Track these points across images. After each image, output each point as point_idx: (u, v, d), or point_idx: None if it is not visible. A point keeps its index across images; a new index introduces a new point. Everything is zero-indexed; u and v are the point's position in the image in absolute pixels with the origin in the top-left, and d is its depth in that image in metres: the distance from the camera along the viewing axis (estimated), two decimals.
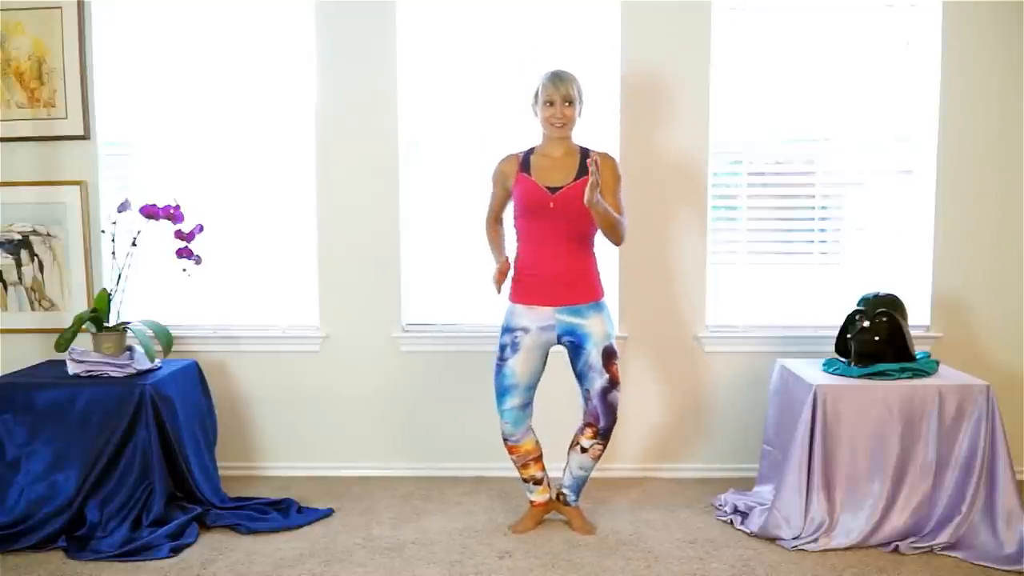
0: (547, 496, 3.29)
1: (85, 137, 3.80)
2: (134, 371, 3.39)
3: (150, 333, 3.48)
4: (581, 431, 3.18)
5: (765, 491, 3.38)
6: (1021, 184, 3.70)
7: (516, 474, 3.32)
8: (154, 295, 3.83)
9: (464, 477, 3.85)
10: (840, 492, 3.13)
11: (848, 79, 3.73)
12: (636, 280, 3.79)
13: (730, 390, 3.85)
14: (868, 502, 3.11)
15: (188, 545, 3.13)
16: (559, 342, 3.15)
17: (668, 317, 3.83)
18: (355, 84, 3.77)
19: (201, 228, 3.51)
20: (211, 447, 3.63)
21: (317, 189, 3.83)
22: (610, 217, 2.98)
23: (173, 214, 3.45)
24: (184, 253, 3.46)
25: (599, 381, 3.09)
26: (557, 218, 3.04)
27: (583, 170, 3.08)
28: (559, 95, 3.04)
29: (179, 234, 3.46)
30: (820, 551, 3.05)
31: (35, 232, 3.87)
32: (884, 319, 3.28)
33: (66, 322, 3.60)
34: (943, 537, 3.03)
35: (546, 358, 3.19)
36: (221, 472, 3.66)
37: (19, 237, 3.87)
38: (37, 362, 3.74)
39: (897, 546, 3.05)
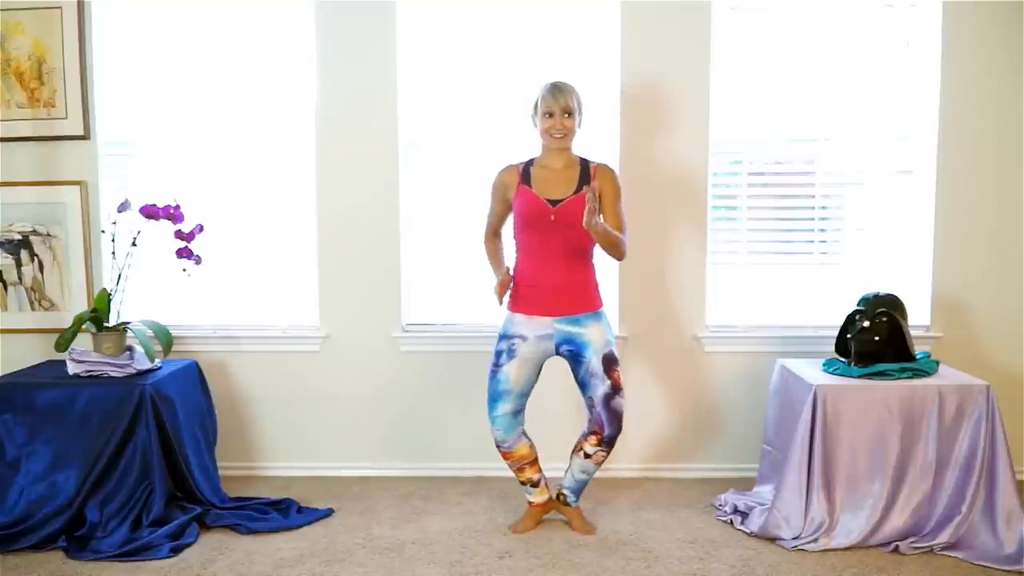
0: (545, 496, 3.29)
1: (85, 137, 3.80)
2: (134, 371, 3.39)
3: (150, 333, 3.48)
4: (585, 437, 3.15)
5: (765, 491, 3.38)
6: (1021, 184, 3.70)
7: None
8: (154, 295, 3.83)
9: (464, 477, 3.85)
10: (840, 492, 3.13)
11: (848, 79, 3.73)
12: (636, 280, 3.79)
13: (730, 390, 3.85)
14: (868, 502, 3.11)
15: (188, 545, 3.13)
16: (557, 352, 3.14)
17: (668, 317, 3.83)
18: (355, 84, 3.77)
19: (201, 228, 3.51)
20: (211, 447, 3.63)
21: (317, 189, 3.83)
22: (610, 237, 2.99)
23: (173, 214, 3.45)
24: (184, 253, 3.46)
25: (601, 387, 3.07)
26: (557, 230, 3.04)
27: (584, 181, 3.08)
28: (558, 106, 3.03)
29: (179, 234, 3.46)
30: (820, 551, 3.05)
31: (35, 232, 3.87)
32: (884, 319, 3.28)
33: (66, 322, 3.60)
34: (943, 537, 3.03)
35: (540, 368, 3.18)
36: (221, 472, 3.66)
37: (19, 237, 3.87)
38: (37, 362, 3.74)
39: (897, 546, 3.05)
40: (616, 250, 3.06)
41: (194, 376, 3.63)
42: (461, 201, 3.78)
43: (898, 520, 3.09)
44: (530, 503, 3.29)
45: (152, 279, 3.80)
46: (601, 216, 2.97)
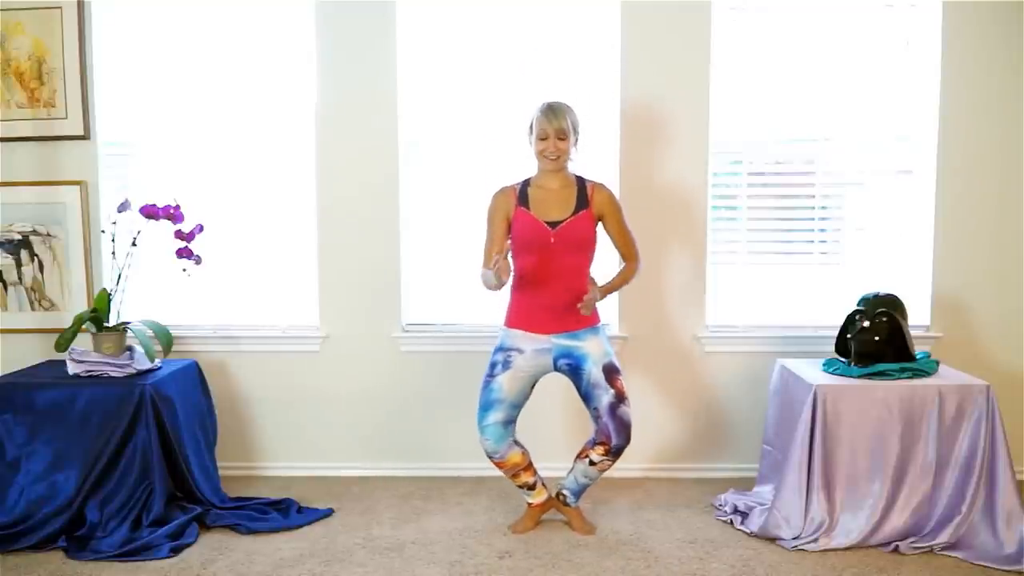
0: (544, 496, 3.28)
1: (85, 137, 3.80)
2: (134, 371, 3.39)
3: (150, 333, 3.48)
4: (592, 446, 3.13)
5: (765, 491, 3.38)
6: (1021, 184, 3.70)
7: None
8: (154, 295, 3.83)
9: (464, 477, 3.85)
10: (840, 492, 3.13)
11: (848, 79, 3.73)
12: (636, 281, 3.78)
13: (730, 390, 3.85)
14: (868, 502, 3.11)
15: (188, 545, 3.13)
16: (556, 368, 3.13)
17: (668, 317, 3.83)
18: (355, 84, 3.77)
19: (201, 228, 3.51)
20: (211, 447, 3.63)
21: (317, 189, 3.83)
22: (617, 283, 3.18)
23: (173, 214, 3.45)
24: (184, 253, 3.46)
25: (605, 397, 3.05)
26: (557, 252, 3.04)
27: (581, 202, 3.09)
28: (552, 129, 3.02)
29: (179, 234, 3.46)
30: (820, 551, 3.05)
31: (35, 232, 3.87)
32: (884, 319, 3.28)
33: (66, 322, 3.60)
34: (943, 537, 3.03)
35: (534, 385, 3.17)
36: (221, 472, 3.66)
37: (19, 237, 3.87)
38: (37, 362, 3.74)
39: (897, 546, 3.05)
40: (627, 282, 3.22)
41: (194, 376, 3.63)
42: (461, 201, 3.78)
43: (898, 520, 3.09)
44: (529, 504, 3.29)
45: (152, 279, 3.80)
46: (598, 287, 3.11)
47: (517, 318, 3.13)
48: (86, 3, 3.75)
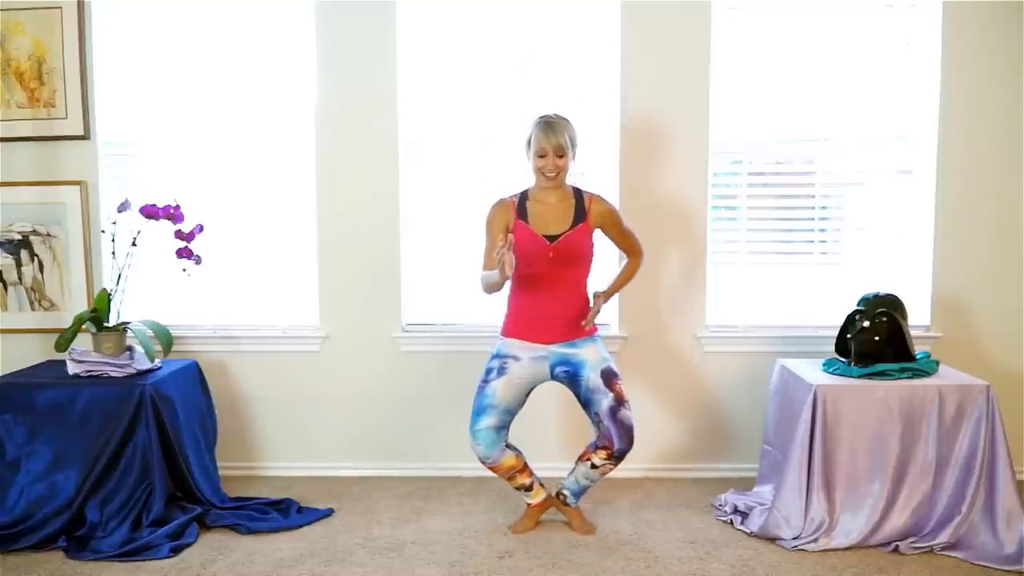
0: (543, 496, 3.28)
1: (85, 137, 3.80)
2: (134, 371, 3.39)
3: (150, 333, 3.48)
4: (594, 450, 3.11)
5: (765, 491, 3.38)
6: (1021, 184, 3.70)
7: None
8: (154, 295, 3.83)
9: (464, 477, 3.85)
10: (840, 492, 3.13)
11: (848, 79, 3.73)
12: (636, 281, 3.77)
13: (730, 390, 3.85)
14: (868, 502, 3.11)
15: (188, 545, 3.13)
16: (553, 376, 3.13)
17: (668, 317, 3.83)
18: (355, 84, 3.77)
19: (201, 228, 3.51)
20: (211, 447, 3.63)
21: (317, 189, 3.83)
22: (619, 283, 3.26)
23: (173, 214, 3.45)
24: (184, 253, 3.46)
25: (605, 401, 3.05)
26: (555, 266, 3.05)
27: (579, 216, 3.09)
28: (551, 146, 3.02)
29: (179, 234, 3.46)
30: (820, 551, 3.05)
31: (35, 232, 3.87)
32: (884, 319, 3.28)
33: (66, 322, 3.60)
34: (943, 537, 3.03)
35: (529, 394, 3.17)
36: (221, 472, 3.66)
37: (19, 237, 3.87)
38: (37, 362, 3.74)
39: (897, 546, 3.05)
40: (631, 279, 3.29)
41: (194, 376, 3.63)
42: (461, 202, 3.78)
43: (898, 520, 3.09)
44: (528, 504, 3.29)
45: (152, 279, 3.80)
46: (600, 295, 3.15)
47: (515, 328, 3.14)
48: (86, 3, 3.75)
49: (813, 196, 3.83)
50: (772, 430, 3.48)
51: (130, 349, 3.48)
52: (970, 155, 3.69)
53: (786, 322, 3.82)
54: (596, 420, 3.09)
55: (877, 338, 3.27)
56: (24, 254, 3.88)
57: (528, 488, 3.23)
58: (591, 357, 3.08)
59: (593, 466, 3.12)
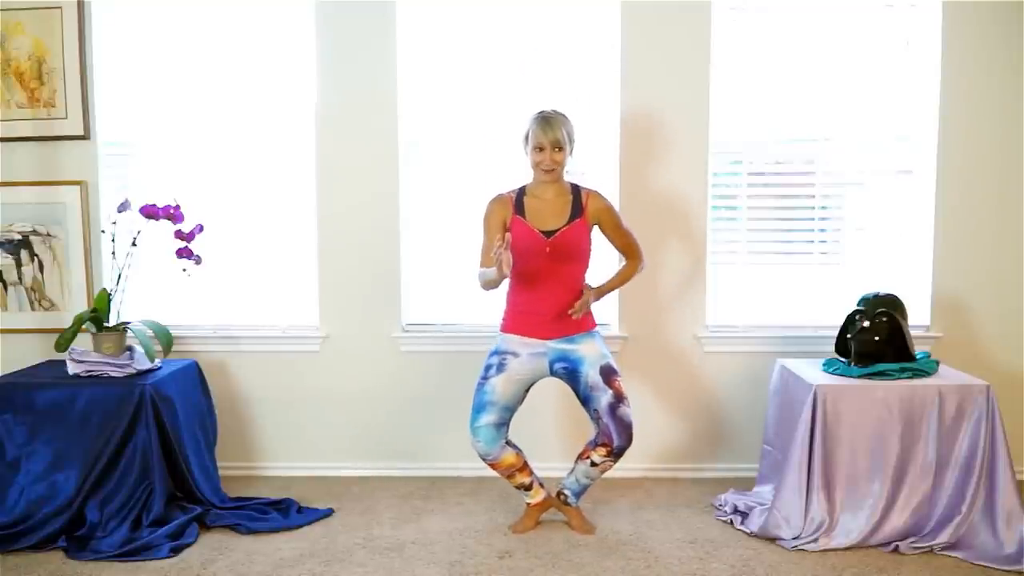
0: (542, 495, 3.28)
1: (85, 137, 3.80)
2: (134, 371, 3.39)
3: (150, 333, 3.48)
4: (594, 447, 3.12)
5: (765, 491, 3.38)
6: (1021, 184, 3.70)
7: None
8: (154, 295, 3.83)
9: (464, 477, 3.85)
10: (840, 492, 3.13)
11: (848, 79, 3.73)
12: (636, 280, 3.77)
13: (730, 390, 3.85)
14: (868, 502, 3.11)
15: (188, 545, 3.13)
16: (552, 372, 3.14)
17: (668, 317, 3.83)
18: (355, 84, 3.77)
19: (201, 228, 3.51)
20: (211, 447, 3.63)
21: (317, 189, 3.83)
22: (616, 283, 3.23)
23: (173, 214, 3.45)
24: (184, 253, 3.46)
25: (604, 398, 3.05)
26: (552, 261, 3.05)
27: (576, 211, 3.10)
28: (548, 141, 3.02)
29: (179, 234, 3.46)
30: (820, 551, 3.05)
31: (35, 232, 3.87)
32: (884, 319, 3.28)
33: (66, 322, 3.59)
34: (943, 537, 3.03)
35: (528, 390, 3.18)
36: (221, 472, 3.66)
37: (19, 237, 3.87)
38: (37, 362, 3.74)
39: (897, 546, 3.05)
40: (629, 279, 3.25)
41: (194, 376, 3.63)
42: (461, 201, 3.77)
43: (898, 520, 3.09)
44: (528, 504, 3.29)
45: (152, 279, 3.80)
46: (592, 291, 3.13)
47: (513, 324, 3.14)
48: (86, 3, 3.75)
49: (813, 196, 3.83)
50: (772, 430, 3.48)
51: (130, 349, 3.48)
52: (970, 155, 3.69)
53: (786, 322, 3.82)
54: (595, 417, 3.10)
55: (877, 338, 3.27)
56: (24, 254, 3.88)
57: (528, 487, 3.23)
58: (590, 353, 3.08)
59: (592, 464, 3.12)
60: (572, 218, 3.09)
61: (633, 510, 3.48)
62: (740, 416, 3.84)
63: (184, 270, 3.48)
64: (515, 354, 3.11)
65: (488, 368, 3.13)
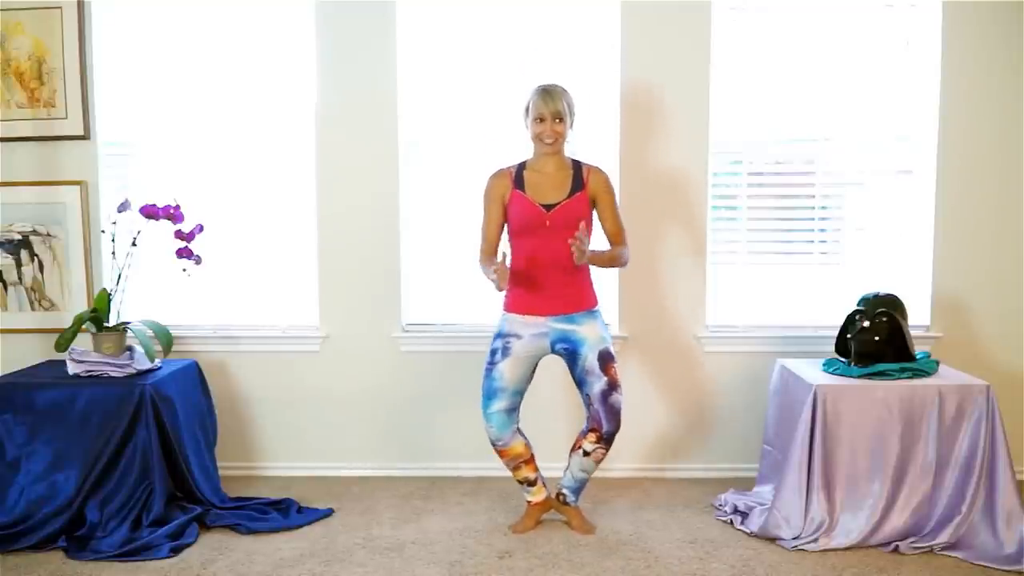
0: (543, 495, 3.28)
1: (85, 137, 3.80)
2: (134, 371, 3.39)
3: (150, 333, 3.48)
4: (584, 435, 3.15)
5: (765, 491, 3.38)
6: (1021, 184, 3.70)
7: None
8: (154, 295, 3.83)
9: (464, 477, 3.85)
10: (840, 492, 3.13)
11: (848, 79, 3.73)
12: (636, 280, 3.79)
13: (730, 390, 3.84)
14: (868, 502, 3.11)
15: (188, 545, 3.13)
16: (553, 351, 3.14)
17: (668, 317, 3.83)
18: (355, 84, 3.77)
19: (201, 228, 3.51)
20: (211, 447, 3.63)
21: (317, 189, 3.83)
22: (607, 257, 3.11)
23: (173, 214, 3.45)
24: (184, 253, 3.46)
25: (598, 384, 3.07)
26: (552, 235, 3.05)
27: (576, 185, 3.10)
28: (549, 111, 3.03)
29: (179, 234, 3.46)
30: (820, 551, 3.05)
31: (35, 232, 3.87)
32: (884, 319, 3.28)
33: (66, 322, 3.59)
34: (943, 537, 3.03)
35: (535, 368, 3.19)
36: (221, 472, 3.66)
37: (19, 237, 3.87)
38: (37, 362, 3.74)
39: (897, 546, 3.05)
40: (616, 263, 3.16)
41: (194, 376, 3.63)
42: (461, 201, 3.77)
43: (898, 520, 3.09)
44: (528, 502, 3.29)
45: (152, 279, 3.80)
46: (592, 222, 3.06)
47: (515, 302, 3.14)
48: (86, 3, 3.75)
49: (813, 196, 3.83)
50: (772, 430, 3.48)
51: (130, 349, 3.48)
52: (970, 155, 3.69)
53: (786, 322, 3.82)
54: (587, 401, 3.13)
55: (877, 338, 3.27)
56: (24, 254, 3.88)
57: (531, 483, 3.24)
58: (591, 336, 3.09)
59: (585, 453, 3.14)
60: (573, 191, 3.08)
61: (633, 510, 3.48)
62: (740, 416, 3.84)
63: (184, 270, 3.48)
64: (518, 336, 3.11)
65: (494, 353, 3.14)
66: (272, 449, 3.95)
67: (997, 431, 3.07)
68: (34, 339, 3.88)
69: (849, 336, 3.35)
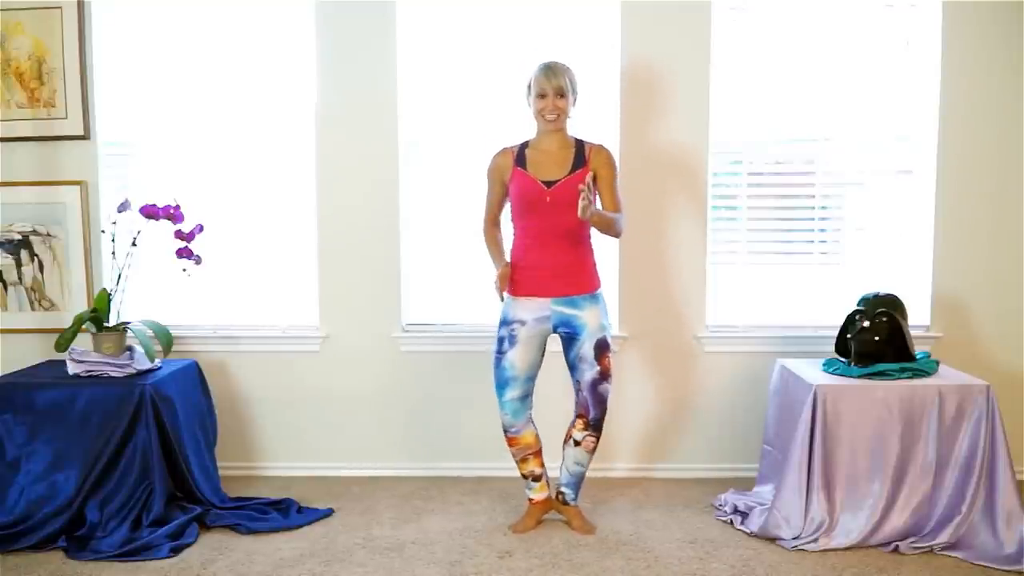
0: (546, 494, 3.29)
1: (85, 137, 3.80)
2: (134, 371, 3.39)
3: (150, 333, 3.48)
4: (573, 424, 3.19)
5: (765, 491, 3.38)
6: (1021, 184, 3.70)
7: (516, 474, 3.32)
8: (154, 295, 3.83)
9: (465, 477, 3.85)
10: (840, 492, 3.13)
11: (848, 79, 3.73)
12: (636, 280, 3.79)
13: (730, 390, 3.84)
14: (868, 502, 3.11)
15: (188, 545, 3.13)
16: (555, 331, 3.16)
17: (668, 317, 3.83)
18: (355, 84, 3.77)
19: (201, 228, 3.51)
20: (211, 447, 3.63)
21: (317, 189, 3.83)
22: (606, 220, 3.04)
23: (173, 214, 3.45)
24: (184, 253, 3.46)
25: (589, 373, 3.10)
26: (553, 212, 3.05)
27: (578, 163, 3.09)
28: (551, 87, 3.04)
29: (179, 234, 3.46)
30: (820, 551, 3.05)
31: (35, 232, 3.87)
32: (884, 319, 3.28)
33: (66, 322, 3.59)
34: (943, 537, 3.03)
35: (544, 347, 3.20)
36: (221, 472, 3.66)
37: (19, 237, 3.87)
38: (37, 362, 3.74)
39: (897, 546, 3.05)
40: (612, 230, 3.11)
41: (194, 376, 3.63)
42: (461, 201, 3.77)
43: (898, 520, 3.09)
44: (530, 500, 3.29)
45: (152, 279, 3.80)
46: (597, 197, 3.05)
47: (519, 284, 3.13)
48: (86, 3, 3.75)
49: (813, 196, 3.83)
50: (772, 430, 3.48)
51: (130, 349, 3.48)
52: (970, 155, 3.69)
53: (786, 322, 3.82)
54: (577, 387, 3.16)
55: (877, 338, 3.27)
56: (24, 254, 3.88)
57: (536, 478, 3.25)
58: (591, 323, 3.10)
59: (576, 443, 3.17)
60: (574, 168, 3.08)
61: (633, 510, 3.48)
62: (740, 416, 3.84)
63: (184, 270, 3.48)
64: (522, 322, 3.12)
65: (501, 341, 3.15)
66: (272, 449, 3.95)
67: (997, 431, 3.07)
68: (34, 339, 3.88)
69: (849, 336, 3.35)
